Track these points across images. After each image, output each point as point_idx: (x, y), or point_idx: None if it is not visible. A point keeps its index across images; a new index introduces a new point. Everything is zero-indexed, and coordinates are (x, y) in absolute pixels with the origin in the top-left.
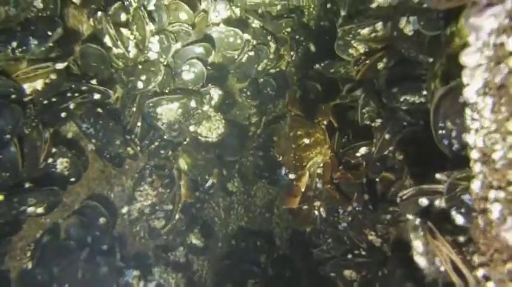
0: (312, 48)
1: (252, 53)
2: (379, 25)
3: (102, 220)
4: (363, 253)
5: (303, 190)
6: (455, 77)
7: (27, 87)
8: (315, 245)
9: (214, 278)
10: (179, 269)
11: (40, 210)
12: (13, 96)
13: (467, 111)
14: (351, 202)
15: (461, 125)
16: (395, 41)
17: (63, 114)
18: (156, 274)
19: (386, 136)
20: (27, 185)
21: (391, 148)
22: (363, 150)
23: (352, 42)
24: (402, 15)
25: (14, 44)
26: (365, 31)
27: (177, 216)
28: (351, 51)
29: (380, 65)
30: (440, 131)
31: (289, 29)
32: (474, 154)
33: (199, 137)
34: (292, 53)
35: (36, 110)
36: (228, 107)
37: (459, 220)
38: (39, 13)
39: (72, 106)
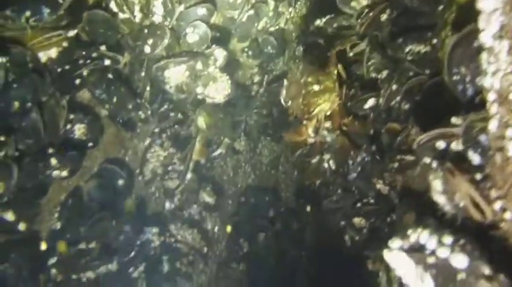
0: (311, 3)
1: (251, 12)
2: None
3: (120, 181)
4: (372, 201)
5: (309, 132)
6: (466, 24)
7: (42, 55)
8: (324, 196)
9: (227, 233)
10: (194, 225)
11: (64, 173)
12: (30, 65)
13: (483, 55)
14: (360, 151)
15: (475, 70)
16: None
17: (77, 81)
18: (173, 231)
19: (394, 87)
20: (50, 150)
21: (397, 99)
22: (370, 102)
23: None
24: None
25: (28, 13)
26: None
27: (189, 176)
28: (353, 4)
29: (383, 17)
30: (454, 77)
31: None
32: (491, 96)
33: (207, 99)
34: (290, 9)
35: (52, 78)
36: (232, 68)
37: (476, 159)
38: None
39: (85, 73)
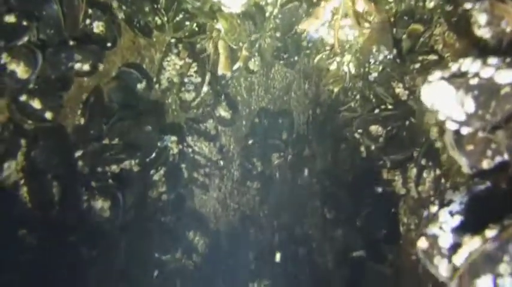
0: None
1: None
2: None
3: (139, 85)
4: (390, 107)
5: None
6: None
7: None
8: (342, 103)
9: (241, 152)
10: (210, 139)
11: (86, 67)
12: None
13: None
14: (383, 47)
15: None
16: None
17: None
18: (190, 142)
19: None
20: (71, 42)
21: None
22: None
23: None
24: None
25: None
26: None
27: (205, 89)
28: None
29: None
30: None
31: None
32: None
33: (223, 8)
34: None
35: None
36: None
37: None
38: None
39: None
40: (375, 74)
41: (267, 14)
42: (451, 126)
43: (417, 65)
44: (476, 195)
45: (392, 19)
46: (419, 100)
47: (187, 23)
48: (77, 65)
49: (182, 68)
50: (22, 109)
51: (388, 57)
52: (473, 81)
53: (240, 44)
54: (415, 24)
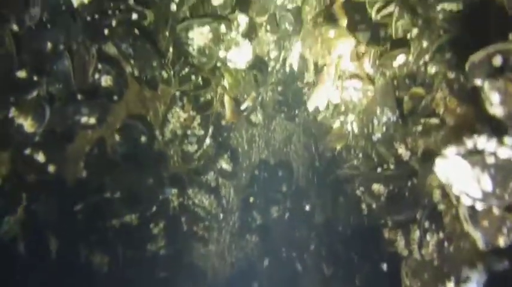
0: None
1: None
2: None
3: (143, 137)
4: (392, 167)
5: (330, 76)
6: None
7: (75, 0)
8: (344, 161)
9: (241, 204)
10: (211, 191)
11: (92, 120)
12: (63, 8)
13: None
14: (386, 110)
15: None
16: None
17: (106, 32)
18: (191, 194)
19: (424, 44)
20: (79, 96)
21: (426, 57)
22: (400, 58)
23: None
24: None
25: None
26: None
27: (207, 141)
28: None
29: None
30: None
31: None
32: None
33: (229, 63)
34: None
35: (82, 25)
36: (252, 38)
37: None
38: None
39: (113, 24)
40: (378, 135)
41: (270, 69)
42: (466, 201)
43: (419, 128)
44: (495, 274)
45: (395, 82)
46: (422, 161)
47: (193, 77)
48: (84, 119)
49: (186, 121)
50: (26, 162)
51: (392, 119)
52: (490, 160)
53: (245, 96)
54: (417, 88)
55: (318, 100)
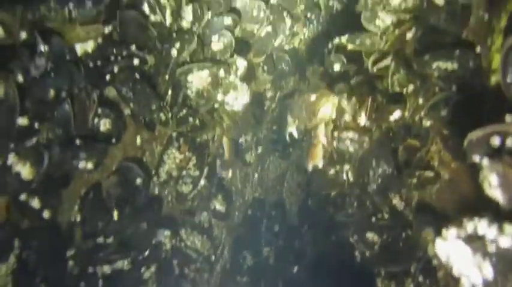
0: (326, 23)
1: (269, 28)
2: None
3: (138, 180)
4: (386, 216)
5: (321, 143)
6: None
7: (79, 48)
8: (339, 208)
9: (233, 244)
10: (203, 232)
11: (90, 165)
12: (68, 56)
13: None
14: (382, 161)
15: None
16: (425, 11)
17: (107, 78)
18: (183, 235)
19: (420, 101)
20: (78, 142)
21: (422, 113)
22: (396, 114)
23: (379, 13)
24: None
25: (71, 5)
26: (395, 2)
27: (202, 182)
28: (377, 22)
29: (409, 35)
30: (509, 79)
31: (302, 7)
32: None
33: (226, 106)
34: (305, 29)
35: (85, 71)
36: (249, 80)
37: None
38: None
39: (115, 70)
40: (373, 186)
41: (265, 108)
42: (466, 284)
43: (414, 180)
44: None
45: (390, 133)
46: (416, 213)
47: (191, 118)
48: (81, 164)
49: (182, 162)
50: (21, 209)
51: (387, 171)
52: (492, 248)
53: (243, 136)
54: (412, 139)
55: (315, 161)
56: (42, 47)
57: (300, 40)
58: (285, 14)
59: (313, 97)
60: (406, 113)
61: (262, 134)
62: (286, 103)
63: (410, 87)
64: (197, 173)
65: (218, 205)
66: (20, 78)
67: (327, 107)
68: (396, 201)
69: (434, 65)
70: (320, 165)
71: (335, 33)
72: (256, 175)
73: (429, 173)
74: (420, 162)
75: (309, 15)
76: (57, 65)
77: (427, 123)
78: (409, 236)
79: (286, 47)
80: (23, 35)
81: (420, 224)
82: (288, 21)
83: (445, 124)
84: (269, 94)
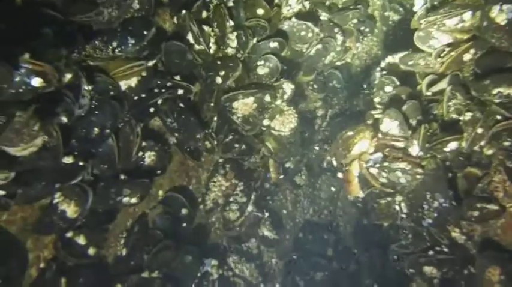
0: (381, 40)
1: (319, 46)
2: (467, 15)
3: (184, 210)
4: (445, 249)
5: (355, 174)
6: None
7: (123, 84)
8: (393, 239)
9: (284, 269)
10: (252, 259)
11: (134, 200)
12: (112, 93)
13: None
14: (437, 195)
15: None
16: (484, 31)
17: (151, 110)
18: (231, 264)
19: (479, 130)
20: (122, 176)
21: (482, 143)
22: (452, 145)
23: (434, 33)
24: (494, 3)
25: (114, 43)
26: (451, 21)
27: (250, 208)
28: (431, 42)
29: (466, 57)
30: None
31: (355, 21)
32: None
33: (272, 131)
34: (358, 44)
35: (129, 105)
36: (297, 101)
37: None
38: (135, 13)
39: (159, 102)
40: (428, 220)
41: (316, 127)
42: None
43: (475, 213)
44: None
45: (447, 163)
46: (480, 250)
47: (237, 144)
48: (125, 199)
49: (228, 189)
50: (67, 246)
51: (444, 204)
52: None
53: (291, 158)
54: (472, 168)
55: (353, 194)
56: (86, 87)
57: (352, 55)
58: (336, 30)
59: (350, 133)
60: (463, 143)
61: (314, 153)
62: (338, 121)
63: (468, 114)
64: (244, 199)
65: (266, 231)
66: (64, 119)
67: (363, 143)
68: (456, 234)
69: (495, 90)
70: (361, 195)
71: (391, 46)
72: (307, 196)
73: (493, 207)
74: (482, 193)
75: (362, 28)
76: (101, 102)
77: (488, 151)
78: (472, 273)
79: (338, 63)
80: (68, 76)
81: (484, 261)
82: (340, 37)
83: (509, 156)
84: (320, 112)
